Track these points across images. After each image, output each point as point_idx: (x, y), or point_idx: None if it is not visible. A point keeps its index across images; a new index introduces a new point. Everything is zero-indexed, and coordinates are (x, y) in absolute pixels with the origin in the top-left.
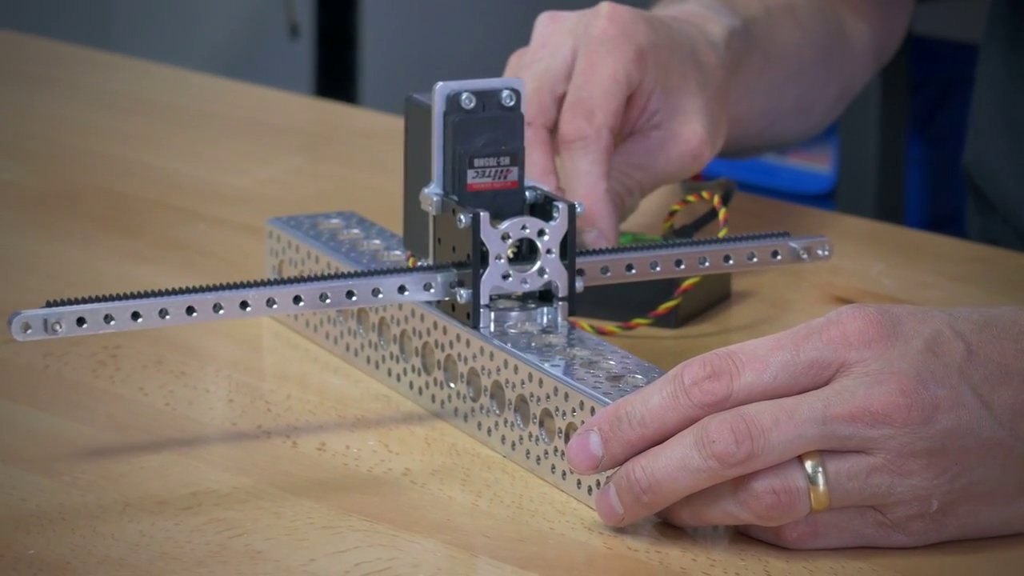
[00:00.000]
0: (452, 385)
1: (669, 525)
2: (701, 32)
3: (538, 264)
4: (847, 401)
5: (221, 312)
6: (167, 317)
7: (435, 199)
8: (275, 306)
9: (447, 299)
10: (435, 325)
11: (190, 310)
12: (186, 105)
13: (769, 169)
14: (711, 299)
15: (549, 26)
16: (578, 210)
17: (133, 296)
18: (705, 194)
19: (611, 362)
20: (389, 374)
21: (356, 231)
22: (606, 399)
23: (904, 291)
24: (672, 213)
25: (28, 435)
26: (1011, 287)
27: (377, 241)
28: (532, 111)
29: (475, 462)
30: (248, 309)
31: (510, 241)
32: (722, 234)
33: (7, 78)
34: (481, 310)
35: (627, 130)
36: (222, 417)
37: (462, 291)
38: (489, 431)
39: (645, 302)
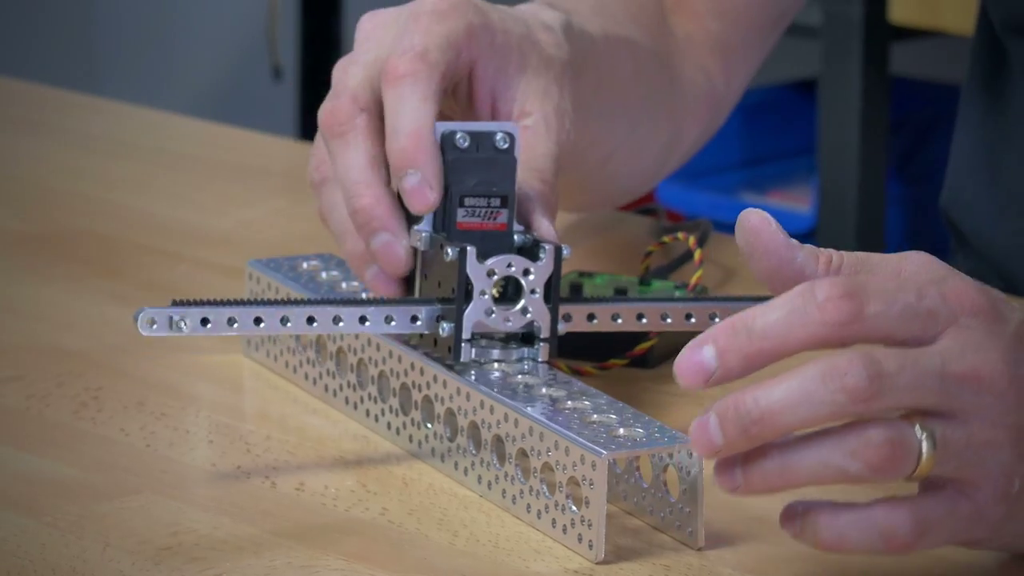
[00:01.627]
0: (429, 425)
1: (655, 561)
2: (536, 17)
3: (522, 303)
4: (960, 361)
5: (340, 325)
6: (288, 324)
7: (424, 235)
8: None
9: (430, 333)
10: (412, 366)
11: (310, 320)
12: (169, 148)
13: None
14: (687, 340)
15: (370, 23)
16: (565, 253)
17: (257, 303)
18: (681, 235)
19: (586, 403)
20: (367, 415)
21: (335, 273)
22: (580, 439)
23: None
24: (648, 254)
25: (9, 475)
26: None
27: (355, 283)
28: (364, 96)
29: (452, 501)
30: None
31: (495, 278)
32: (697, 275)
33: None
34: (462, 345)
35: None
36: (202, 458)
37: (445, 324)
38: (466, 471)
39: (621, 342)
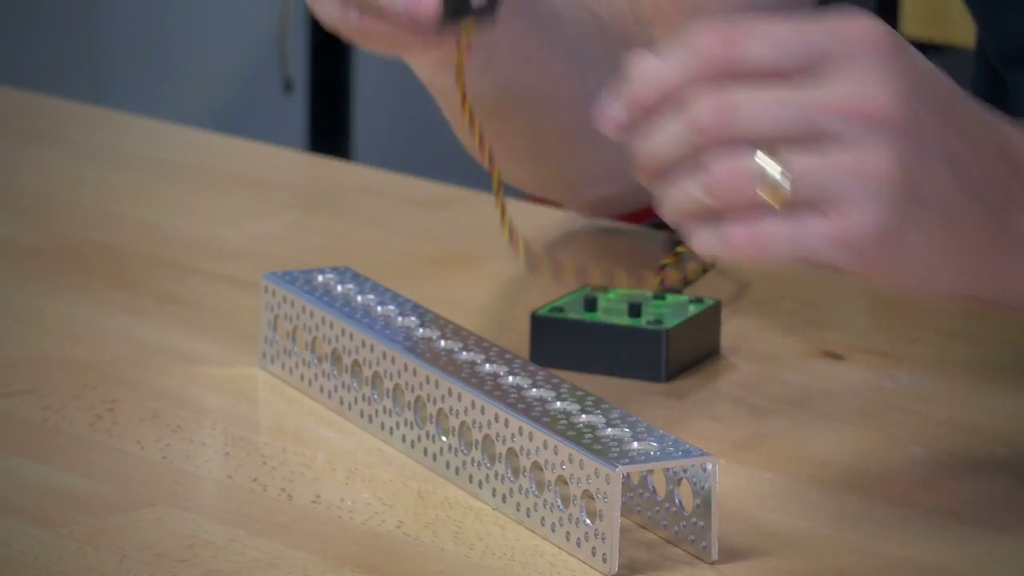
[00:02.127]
0: (444, 438)
1: (668, 575)
2: None
3: None
4: (837, 94)
5: None
6: None
7: None
8: None
9: None
10: (427, 379)
11: None
12: (181, 160)
13: None
14: (700, 354)
15: None
16: None
17: None
18: (684, 247)
19: (600, 416)
20: (383, 427)
21: (350, 286)
22: (594, 453)
23: (891, 345)
24: (662, 267)
25: (26, 487)
26: (1001, 342)
27: (371, 296)
28: None
29: (467, 515)
30: None
31: None
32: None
33: (1, 133)
34: None
35: None
36: (218, 470)
37: None
38: (480, 484)
39: (627, 353)
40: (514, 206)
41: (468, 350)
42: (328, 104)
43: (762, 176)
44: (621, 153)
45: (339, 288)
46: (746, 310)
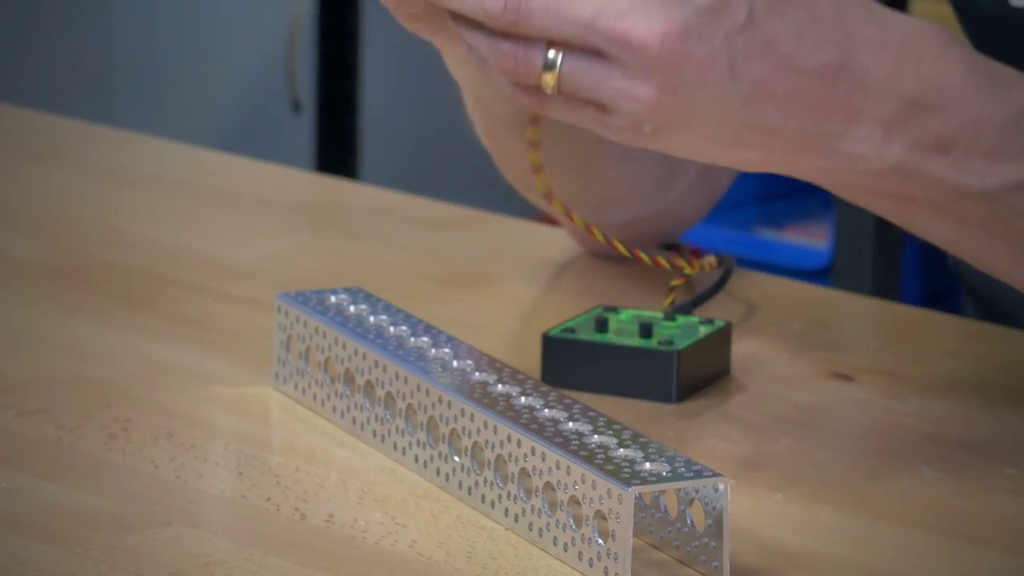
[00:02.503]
0: (456, 458)
1: None
2: None
3: None
4: (615, 18)
5: None
6: None
7: None
8: None
9: None
10: (440, 399)
11: None
12: (191, 180)
13: (765, 244)
14: (711, 374)
15: None
16: None
17: None
18: (706, 265)
19: (611, 436)
20: (395, 447)
21: (363, 306)
22: (606, 474)
23: (900, 366)
24: (672, 288)
25: (41, 506)
26: (1006, 364)
27: (384, 316)
28: None
29: (480, 534)
30: None
31: None
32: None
33: (13, 153)
34: None
35: None
36: (232, 489)
37: None
38: (493, 504)
39: (639, 374)
40: (526, 227)
41: (481, 371)
42: (336, 124)
43: (538, 67)
44: (648, 174)
45: (352, 308)
46: (756, 331)
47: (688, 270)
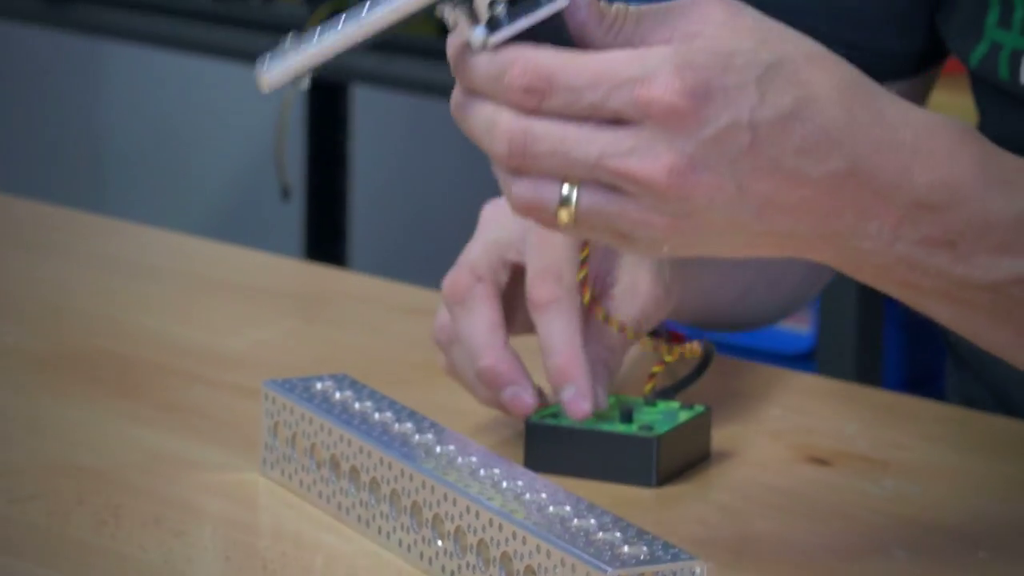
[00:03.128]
0: (440, 542)
1: None
2: None
3: None
4: (620, 158)
5: None
6: None
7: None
8: None
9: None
10: (423, 484)
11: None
12: (182, 269)
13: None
14: (691, 459)
15: (491, 210)
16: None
17: None
18: (687, 352)
19: (592, 520)
20: (380, 532)
21: (348, 393)
22: (586, 555)
23: (878, 451)
24: (653, 375)
25: None
26: (984, 448)
27: (368, 403)
28: (483, 268)
29: None
30: None
31: None
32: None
33: (5, 242)
34: None
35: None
36: (220, 574)
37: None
38: None
39: (619, 459)
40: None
41: (464, 456)
42: (325, 211)
43: (553, 205)
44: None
45: (337, 395)
46: (737, 415)
47: (667, 357)
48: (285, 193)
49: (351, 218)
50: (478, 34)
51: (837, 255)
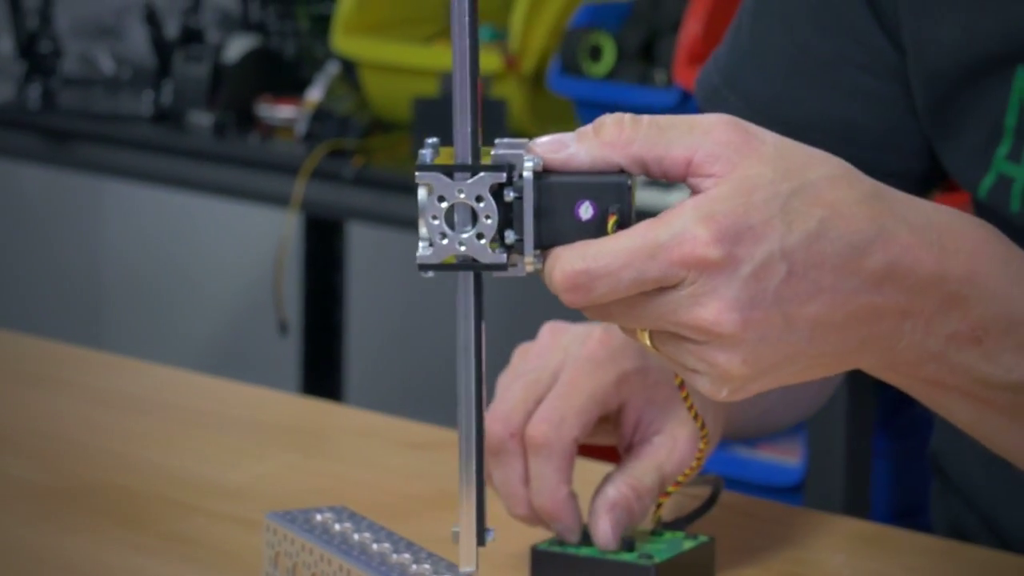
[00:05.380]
0: None
1: None
2: None
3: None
4: (674, 316)
5: None
6: None
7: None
8: None
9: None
10: None
11: None
12: (181, 403)
13: (739, 462)
14: None
15: (548, 338)
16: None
17: None
18: (674, 488)
19: None
20: None
21: (347, 524)
22: None
23: None
24: (659, 505)
25: None
26: None
27: (367, 534)
28: (516, 421)
29: None
30: None
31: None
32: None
33: (10, 377)
34: None
35: (624, 444)
36: None
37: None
38: None
39: None
40: None
41: None
42: (322, 346)
43: (636, 333)
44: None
45: (337, 527)
46: (732, 547)
47: (671, 488)
48: (282, 328)
49: (347, 353)
50: (530, 265)
51: (877, 359)
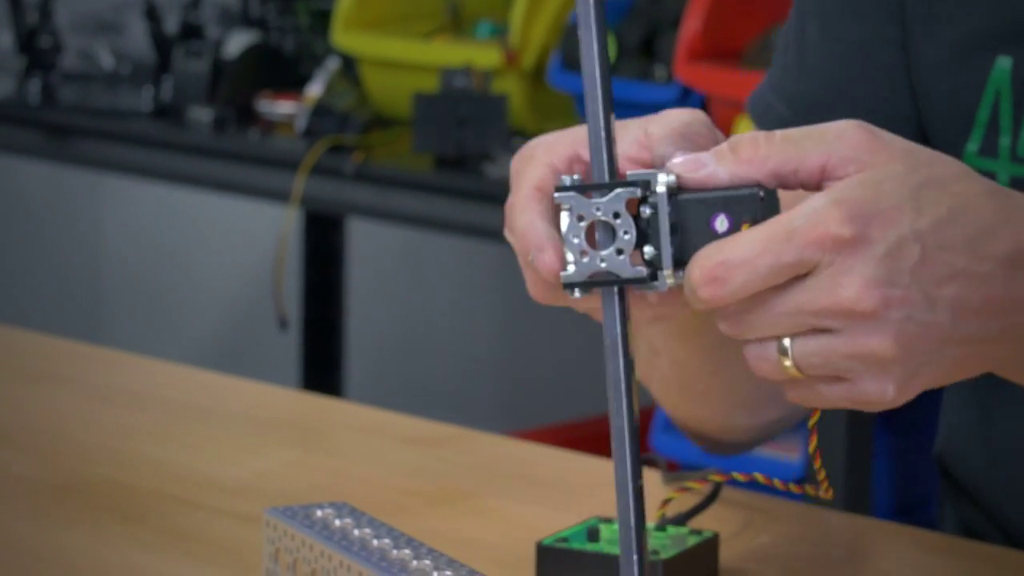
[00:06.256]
0: None
1: None
2: None
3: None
4: (814, 301)
5: None
6: None
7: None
8: None
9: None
10: None
11: None
12: (182, 399)
13: (740, 458)
14: None
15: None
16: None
17: None
18: (696, 485)
19: None
20: None
21: (348, 520)
22: None
23: None
24: (667, 501)
25: None
26: None
27: (368, 530)
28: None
29: None
30: None
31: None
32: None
33: (10, 374)
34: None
35: None
36: None
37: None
38: None
39: None
40: (507, 444)
41: None
42: (321, 341)
43: (776, 356)
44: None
45: (337, 522)
46: (737, 542)
47: (693, 485)
48: (283, 324)
49: (347, 349)
50: (670, 277)
51: (1016, 352)
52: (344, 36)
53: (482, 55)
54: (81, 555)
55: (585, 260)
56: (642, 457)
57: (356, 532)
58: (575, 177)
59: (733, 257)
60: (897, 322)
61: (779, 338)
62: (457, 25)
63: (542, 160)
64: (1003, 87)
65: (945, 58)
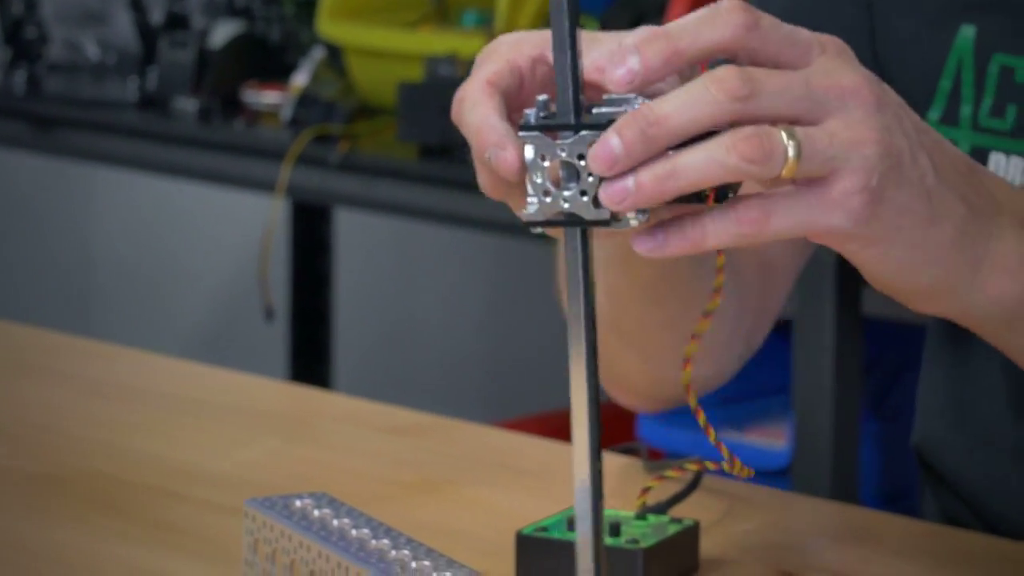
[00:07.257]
0: None
1: None
2: None
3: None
4: (824, 77)
5: None
6: None
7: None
8: None
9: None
10: None
11: None
12: (168, 391)
13: (727, 446)
14: (679, 570)
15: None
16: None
17: None
18: (675, 473)
19: None
20: None
21: (327, 510)
22: None
23: (846, 565)
24: (646, 490)
25: None
26: (956, 564)
27: (346, 520)
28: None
29: None
30: None
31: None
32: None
33: None
34: None
35: None
36: None
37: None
38: None
39: (612, 571)
40: (489, 433)
41: (439, 571)
42: (308, 331)
43: (780, 142)
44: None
45: (316, 513)
46: (719, 530)
47: (671, 474)
48: (269, 314)
49: (334, 339)
50: (634, 219)
51: (980, 248)
52: (329, 25)
53: (467, 44)
54: (63, 548)
55: (548, 200)
56: (624, 446)
57: (335, 522)
58: (540, 114)
59: (758, 73)
60: (890, 125)
61: (782, 119)
62: (442, 14)
63: (504, 55)
64: (966, 56)
65: (913, 28)
